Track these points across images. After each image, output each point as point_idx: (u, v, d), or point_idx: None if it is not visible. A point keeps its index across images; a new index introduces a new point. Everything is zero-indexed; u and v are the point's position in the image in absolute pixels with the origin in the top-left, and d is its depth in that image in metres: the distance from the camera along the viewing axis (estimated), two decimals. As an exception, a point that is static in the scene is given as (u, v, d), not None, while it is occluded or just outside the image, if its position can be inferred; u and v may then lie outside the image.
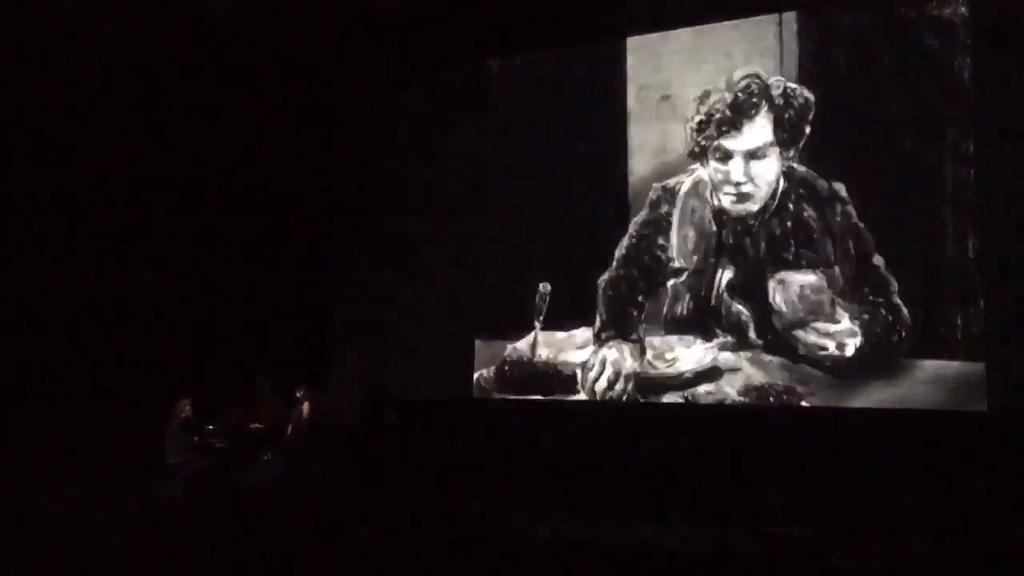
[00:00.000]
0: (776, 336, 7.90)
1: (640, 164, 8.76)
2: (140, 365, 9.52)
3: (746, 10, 8.30)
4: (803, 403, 7.74)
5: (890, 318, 7.51)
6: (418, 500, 8.32)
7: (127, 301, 9.68)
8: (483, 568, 6.21)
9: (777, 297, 7.94)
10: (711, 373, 8.15)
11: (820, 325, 7.73)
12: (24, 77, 9.01)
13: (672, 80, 8.66)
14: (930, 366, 7.34)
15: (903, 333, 7.45)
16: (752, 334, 8.01)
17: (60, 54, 9.03)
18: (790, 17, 8.13)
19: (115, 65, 9.39)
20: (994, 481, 6.80)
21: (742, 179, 8.12)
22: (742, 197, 8.15)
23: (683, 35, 8.65)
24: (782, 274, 7.93)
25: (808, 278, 7.83)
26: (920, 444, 7.20)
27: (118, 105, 9.56)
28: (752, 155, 8.10)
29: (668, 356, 8.38)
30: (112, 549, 6.78)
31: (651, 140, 8.70)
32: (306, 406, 8.97)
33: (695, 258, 8.39)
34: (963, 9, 7.46)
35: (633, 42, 8.91)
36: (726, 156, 8.21)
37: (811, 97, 7.93)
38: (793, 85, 8.03)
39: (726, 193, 8.23)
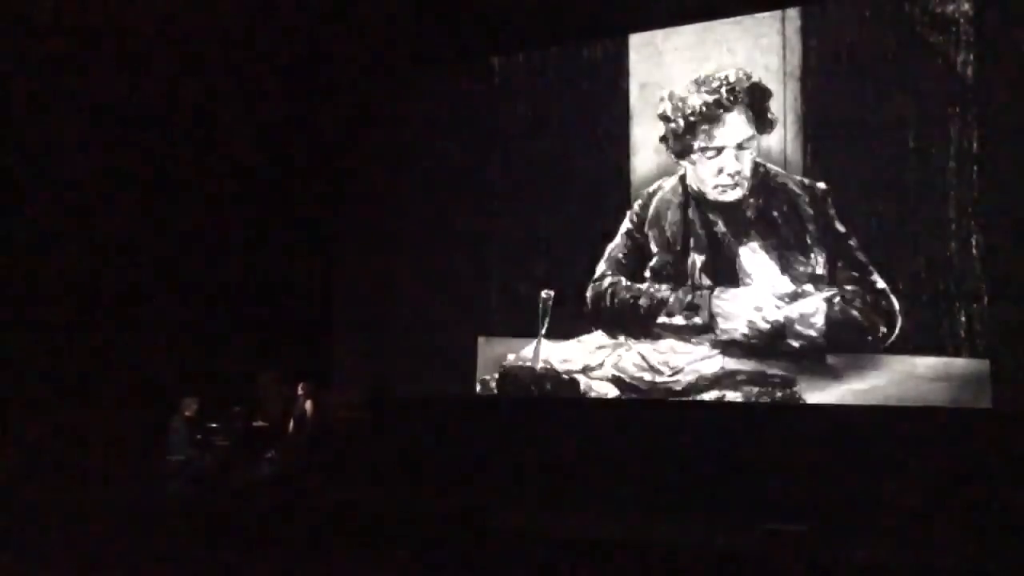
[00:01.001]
0: (767, 332, 7.90)
1: (642, 162, 8.75)
2: (144, 364, 9.54)
3: (749, 7, 8.28)
4: (805, 400, 7.72)
5: (874, 309, 7.52)
6: (420, 496, 8.32)
7: (130, 300, 9.71)
8: (484, 562, 6.21)
9: (759, 291, 7.96)
10: (713, 380, 8.14)
11: (806, 317, 7.74)
12: (24, 75, 9.05)
13: (674, 77, 8.64)
14: (935, 363, 7.32)
15: (891, 324, 7.46)
16: (743, 333, 8.02)
17: (61, 51, 9.06)
18: (793, 14, 8.11)
19: (116, 60, 9.41)
20: (999, 477, 6.78)
21: (734, 170, 8.17)
22: (730, 187, 8.19)
23: (685, 32, 8.64)
24: (760, 264, 7.97)
25: (787, 271, 7.88)
26: (925, 441, 7.17)
27: (120, 102, 9.59)
28: (740, 147, 8.17)
29: (668, 365, 8.38)
30: (116, 545, 6.80)
31: (653, 138, 8.69)
32: (309, 404, 8.97)
33: (676, 255, 8.45)
34: (966, 5, 7.42)
35: (635, 39, 8.89)
36: (717, 150, 8.25)
37: (769, 88, 8.07)
38: (754, 77, 8.12)
39: (716, 185, 8.26)
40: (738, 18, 8.37)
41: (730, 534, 6.72)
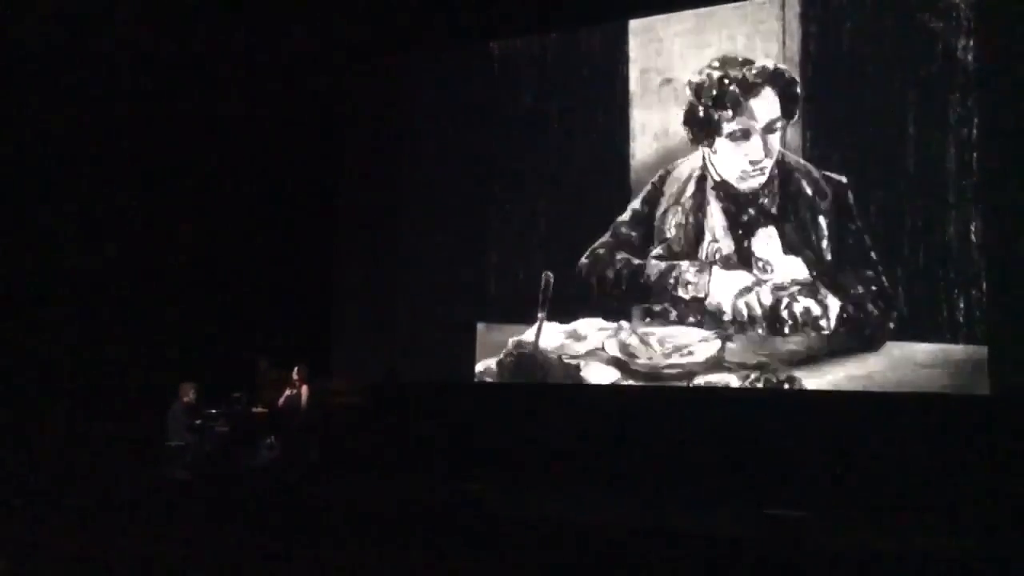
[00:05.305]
0: (771, 319, 7.91)
1: (642, 148, 8.74)
2: (144, 349, 9.55)
3: (749, -8, 8.26)
4: (804, 386, 7.73)
5: (880, 301, 7.53)
6: (419, 483, 8.34)
7: (132, 286, 9.71)
8: (483, 548, 6.22)
9: (767, 276, 7.95)
10: (711, 363, 8.14)
11: (810, 306, 7.73)
12: (26, 74, 9.06)
13: (674, 63, 8.62)
14: (934, 349, 7.33)
15: (893, 314, 7.47)
16: (741, 315, 8.02)
17: (62, 50, 9.07)
18: (793, 0, 8.09)
19: (119, 56, 9.41)
20: (997, 463, 6.79)
21: (759, 156, 8.11)
22: (754, 174, 8.14)
23: (685, 17, 8.62)
24: (771, 251, 7.96)
25: (795, 257, 7.87)
26: (924, 427, 7.19)
27: (123, 97, 9.60)
28: (768, 128, 8.09)
29: (668, 347, 8.37)
30: (115, 530, 6.81)
31: (653, 123, 8.68)
32: (305, 389, 8.96)
33: (688, 236, 8.42)
34: (966, -9, 7.41)
35: (635, 24, 8.87)
36: (744, 135, 8.18)
37: (796, 77, 8.00)
38: (781, 65, 8.06)
39: (740, 171, 8.20)
40: (738, 3, 8.35)
41: (728, 520, 6.73)
